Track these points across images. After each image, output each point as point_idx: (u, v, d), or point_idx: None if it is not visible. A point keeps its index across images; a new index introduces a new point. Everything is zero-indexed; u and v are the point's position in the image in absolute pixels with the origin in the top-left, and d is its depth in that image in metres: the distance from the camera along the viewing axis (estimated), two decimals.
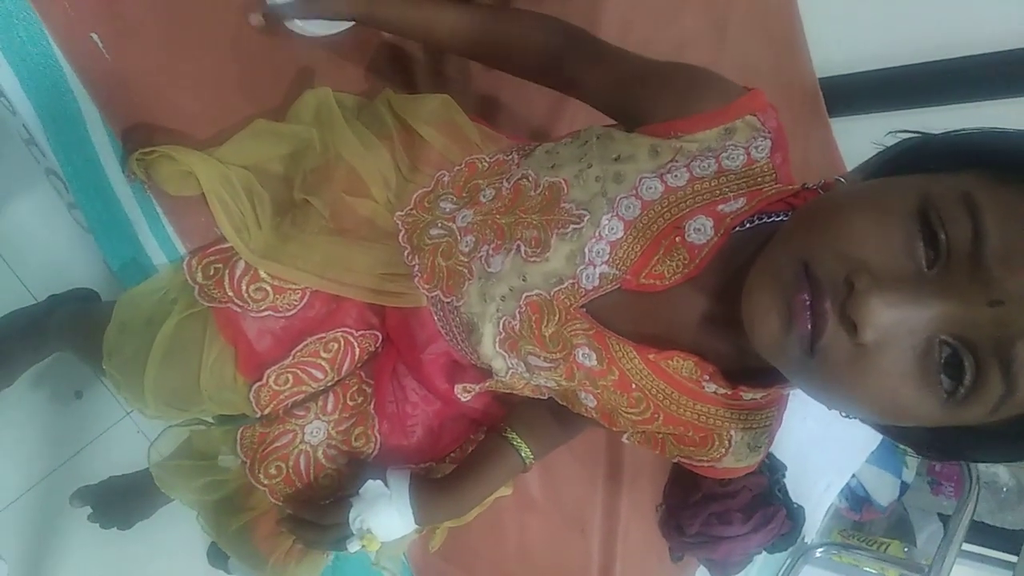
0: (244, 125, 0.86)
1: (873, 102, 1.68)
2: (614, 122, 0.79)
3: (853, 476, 1.79)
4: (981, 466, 1.96)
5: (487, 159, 0.87)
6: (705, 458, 0.76)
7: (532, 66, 0.83)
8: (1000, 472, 1.99)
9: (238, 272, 0.82)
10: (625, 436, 0.79)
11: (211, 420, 0.93)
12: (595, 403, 0.76)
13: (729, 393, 0.70)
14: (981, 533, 1.94)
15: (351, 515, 0.82)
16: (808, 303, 0.52)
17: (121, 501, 1.36)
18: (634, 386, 0.72)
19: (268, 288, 0.83)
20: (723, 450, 0.74)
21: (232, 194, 0.82)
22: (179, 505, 1.44)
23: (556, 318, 0.73)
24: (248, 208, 0.83)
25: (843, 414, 0.59)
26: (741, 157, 0.69)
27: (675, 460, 0.79)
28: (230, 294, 0.82)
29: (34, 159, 0.85)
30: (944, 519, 2.09)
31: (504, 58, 0.84)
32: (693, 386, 0.70)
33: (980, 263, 0.48)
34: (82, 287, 1.27)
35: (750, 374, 0.69)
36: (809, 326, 0.52)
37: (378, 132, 0.89)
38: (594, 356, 0.72)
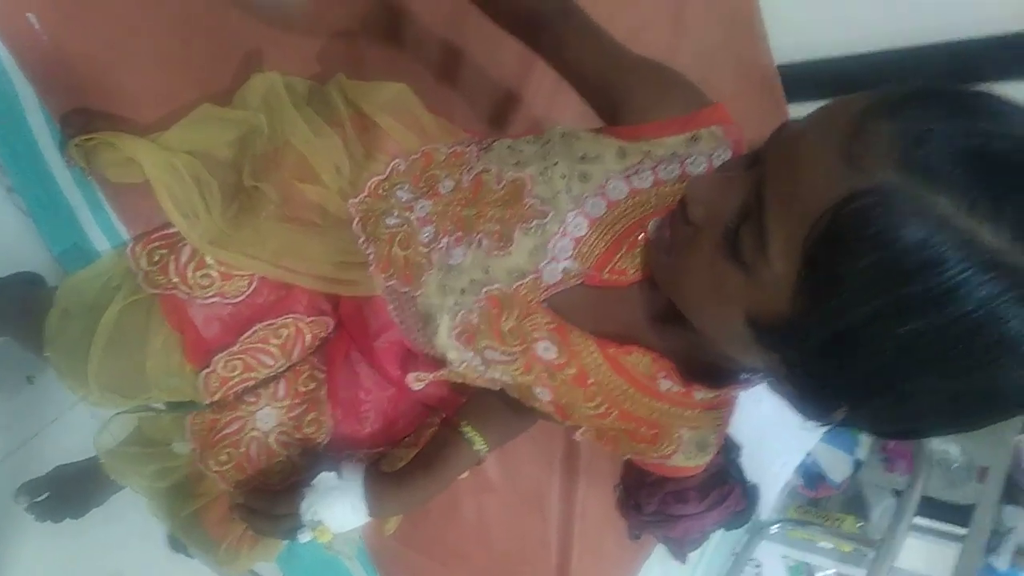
0: (190, 109, 0.85)
1: (831, 89, 1.68)
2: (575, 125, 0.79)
3: (808, 454, 1.83)
4: (934, 444, 2.01)
5: (444, 149, 0.87)
6: (656, 455, 0.77)
7: (522, 16, 0.82)
8: (951, 450, 2.04)
9: (183, 258, 0.81)
10: (578, 432, 0.80)
11: (161, 407, 0.92)
12: (550, 397, 0.76)
13: (683, 391, 0.71)
14: (933, 508, 1.99)
15: (303, 506, 0.82)
16: (670, 220, 0.62)
17: (73, 489, 1.34)
18: (591, 380, 0.73)
19: (215, 274, 0.82)
20: (673, 448, 0.75)
21: (178, 181, 0.81)
22: (133, 492, 1.44)
23: (516, 312, 0.73)
24: (196, 195, 0.82)
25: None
26: (703, 164, 0.71)
27: (626, 457, 0.80)
28: (175, 280, 0.81)
29: None
30: (898, 495, 2.14)
31: (499, 8, 0.83)
32: (648, 383, 0.71)
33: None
34: (26, 271, 1.24)
35: (703, 375, 0.70)
36: (667, 231, 0.62)
37: (329, 118, 0.88)
38: (555, 350, 0.73)
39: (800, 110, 1.76)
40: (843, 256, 0.45)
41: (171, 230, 0.83)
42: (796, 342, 0.51)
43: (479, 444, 0.89)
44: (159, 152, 0.80)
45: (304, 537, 0.83)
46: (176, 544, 1.56)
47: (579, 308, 0.72)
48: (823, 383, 0.52)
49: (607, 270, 0.70)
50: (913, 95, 0.46)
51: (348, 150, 0.88)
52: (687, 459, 0.77)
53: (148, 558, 1.57)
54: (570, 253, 0.71)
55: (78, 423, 1.53)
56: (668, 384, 0.71)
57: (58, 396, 1.52)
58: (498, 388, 0.84)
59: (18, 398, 1.46)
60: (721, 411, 0.76)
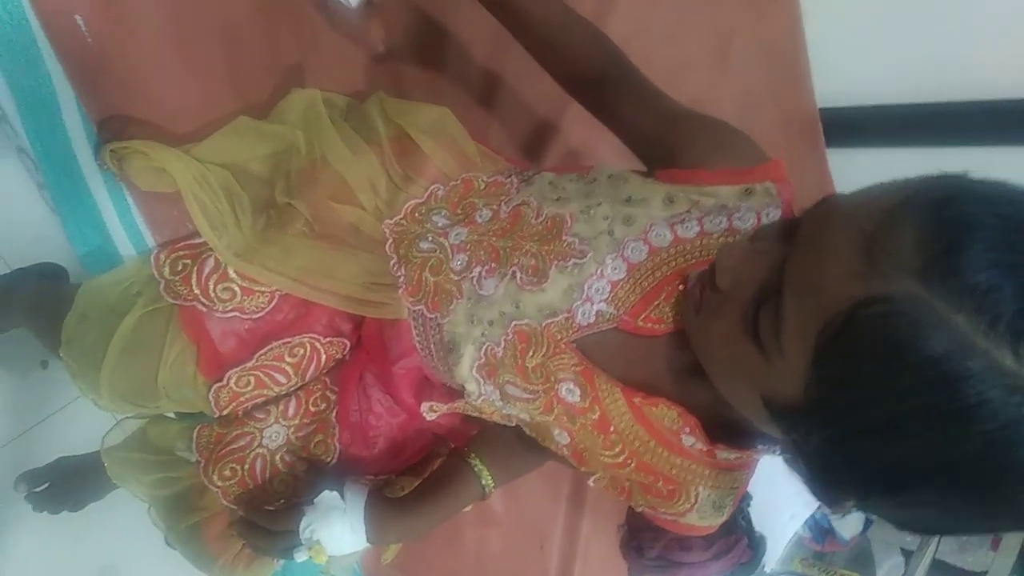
0: (227, 120, 0.84)
1: (872, 137, 1.67)
2: (612, 158, 0.78)
3: (818, 507, 1.79)
4: None
5: (484, 178, 0.86)
6: (670, 512, 0.75)
7: (573, 74, 0.82)
8: None
9: (207, 270, 0.81)
10: (593, 479, 0.78)
11: (171, 415, 0.91)
12: (568, 440, 0.75)
13: (706, 449, 0.69)
14: (942, 572, 1.95)
15: (302, 524, 0.80)
16: (701, 283, 0.62)
17: (73, 483, 1.34)
18: (612, 428, 0.71)
19: (236, 289, 0.81)
20: (688, 505, 0.73)
21: (209, 193, 0.80)
22: None
23: (543, 350, 0.72)
24: (226, 208, 0.82)
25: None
26: (751, 220, 0.70)
27: (639, 509, 0.78)
28: (196, 292, 0.80)
29: (5, 135, 0.83)
30: (906, 554, 2.10)
31: (551, 55, 0.82)
32: (672, 437, 0.70)
33: None
34: (50, 263, 1.23)
35: (729, 434, 0.68)
36: (698, 293, 0.62)
37: (367, 136, 0.87)
38: (578, 392, 0.71)
39: (839, 156, 1.75)
40: (854, 359, 0.45)
41: (197, 240, 0.83)
42: (805, 431, 0.50)
43: (486, 479, 0.88)
44: (191, 164, 0.79)
45: (300, 556, 0.81)
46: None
47: (608, 353, 0.71)
48: (829, 475, 0.51)
49: (642, 317, 0.69)
50: (942, 202, 0.45)
51: (385, 170, 0.87)
52: (701, 518, 0.75)
53: (142, 552, 1.56)
54: (606, 296, 0.70)
55: (86, 412, 1.50)
56: (692, 440, 0.70)
57: (70, 384, 1.52)
58: (513, 424, 0.82)
59: (29, 382, 1.46)
60: (741, 472, 0.74)
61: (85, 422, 1.50)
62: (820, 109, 1.66)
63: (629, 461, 0.73)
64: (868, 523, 1.86)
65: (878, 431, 0.45)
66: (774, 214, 0.70)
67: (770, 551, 1.57)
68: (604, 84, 0.79)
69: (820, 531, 1.86)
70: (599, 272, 0.70)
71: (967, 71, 1.50)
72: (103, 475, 1.35)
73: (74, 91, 0.76)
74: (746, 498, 1.49)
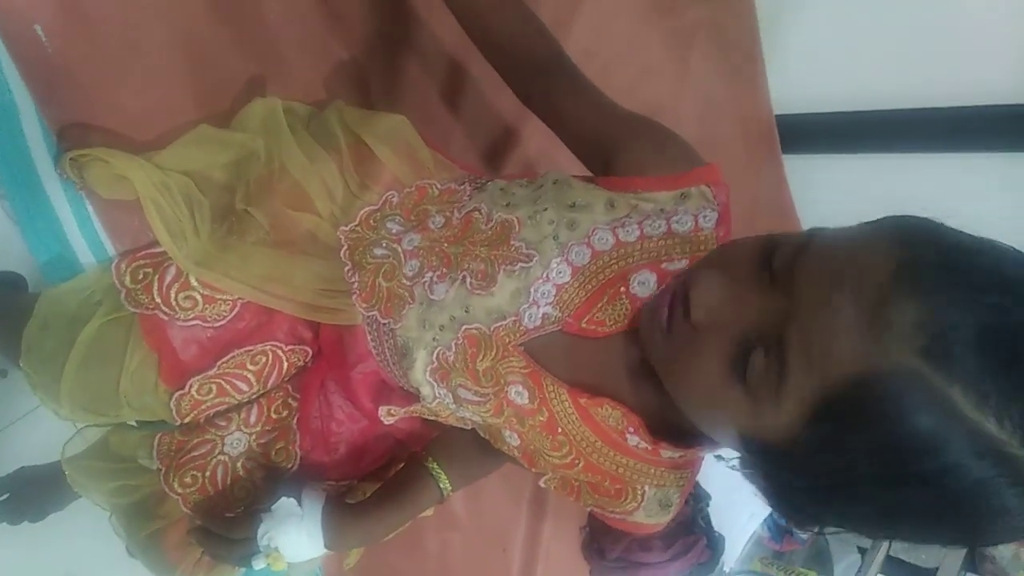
0: (188, 128, 0.84)
1: (828, 143, 1.71)
2: (569, 168, 0.80)
3: None
4: None
5: (438, 185, 0.87)
6: (618, 510, 0.77)
7: (519, 73, 0.83)
8: None
9: (168, 278, 0.81)
10: (543, 480, 0.80)
11: (131, 423, 0.91)
12: (519, 442, 0.77)
13: (650, 448, 0.71)
14: (896, 568, 2.00)
15: (260, 531, 0.81)
16: (669, 304, 0.62)
17: (34, 493, 1.32)
18: (560, 429, 0.73)
19: (198, 297, 0.81)
20: (635, 504, 0.75)
21: (169, 200, 0.80)
22: None
23: (493, 353, 0.73)
24: (186, 215, 0.82)
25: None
26: (689, 223, 0.72)
27: (588, 509, 0.80)
28: (158, 300, 0.80)
29: None
30: (862, 551, 2.15)
31: (496, 47, 0.84)
32: (617, 436, 0.72)
33: (795, 270, 0.54)
34: (8, 271, 1.22)
35: (672, 433, 0.70)
36: (665, 313, 0.61)
37: (326, 144, 0.88)
38: (526, 394, 0.73)
39: (794, 162, 1.79)
40: (852, 424, 0.49)
41: (157, 249, 0.83)
42: (784, 472, 0.54)
43: (444, 483, 0.89)
44: (152, 171, 0.79)
45: (258, 564, 0.81)
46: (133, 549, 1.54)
47: (555, 355, 0.73)
48: (792, 503, 0.55)
49: (586, 319, 0.71)
50: (944, 270, 0.48)
51: (343, 177, 0.88)
52: (648, 516, 0.78)
53: (102, 560, 1.54)
54: (551, 299, 0.71)
55: (46, 422, 1.46)
56: (636, 440, 0.72)
57: (29, 394, 1.49)
58: (469, 427, 0.84)
59: None
60: (686, 471, 0.77)
61: (45, 432, 1.48)
62: (776, 116, 1.70)
63: (577, 461, 0.74)
64: None
65: (863, 486, 0.49)
66: (711, 217, 0.72)
67: (729, 550, 1.61)
68: (549, 82, 0.80)
69: (778, 530, 1.90)
70: (545, 276, 0.71)
71: (921, 79, 1.54)
72: (64, 485, 1.33)
73: (34, 100, 0.76)
74: (705, 498, 1.52)
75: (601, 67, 1.22)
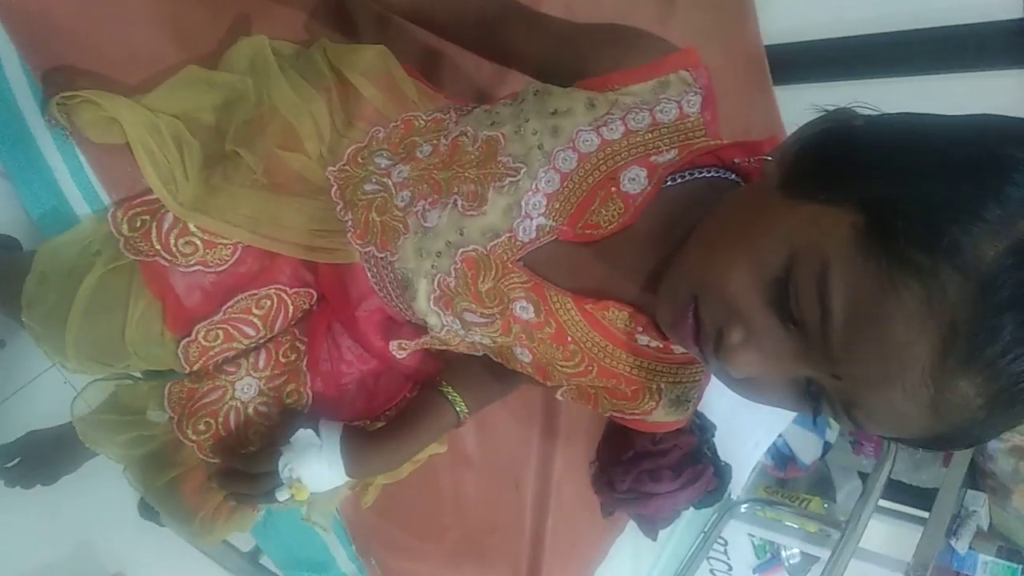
0: (175, 71, 0.83)
1: (817, 72, 1.70)
2: None
3: (779, 436, 1.85)
4: None
5: (424, 117, 0.86)
6: (637, 411, 0.78)
7: (468, 36, 0.83)
8: None
9: (166, 225, 0.80)
10: (559, 392, 0.81)
11: (138, 375, 0.91)
12: (530, 358, 0.77)
13: (661, 346, 0.72)
14: (897, 491, 2.03)
15: (280, 463, 0.81)
16: (694, 336, 0.61)
17: (45, 456, 1.33)
18: (570, 338, 0.73)
19: (198, 242, 0.81)
20: (653, 403, 0.77)
21: (160, 143, 0.79)
22: (105, 458, 1.42)
23: (493, 273, 0.73)
24: (176, 158, 0.81)
25: None
26: (673, 111, 0.71)
27: (607, 414, 0.81)
28: (158, 247, 0.79)
29: None
30: (863, 477, 2.18)
31: (442, 25, 0.84)
32: (627, 338, 0.72)
33: (826, 339, 0.53)
34: (2, 234, 1.21)
35: None
36: (697, 348, 0.62)
37: (315, 83, 0.87)
38: (532, 309, 0.73)
39: (785, 92, 1.77)
40: None
41: (152, 196, 0.81)
42: None
43: (460, 406, 0.90)
44: (142, 112, 0.78)
45: (282, 496, 0.82)
46: (146, 512, 1.55)
47: (555, 265, 0.73)
48: None
49: (580, 225, 0.70)
50: (986, 342, 0.48)
51: (331, 116, 0.86)
52: (667, 414, 0.79)
53: (118, 526, 1.56)
54: (543, 210, 0.71)
55: (49, 388, 1.51)
56: (646, 339, 0.72)
57: (29, 361, 1.50)
58: (480, 353, 0.84)
59: None
60: (701, 365, 0.77)
61: (49, 398, 1.49)
62: (766, 46, 1.69)
63: (591, 368, 0.75)
64: (827, 447, 1.93)
65: None
66: (694, 101, 0.71)
67: (736, 478, 1.63)
68: (497, 31, 0.79)
69: (782, 458, 1.92)
70: (534, 187, 0.71)
71: (907, 1, 1.53)
72: (76, 446, 1.34)
73: (15, 46, 0.74)
74: (710, 428, 1.54)
75: (579, 9, 1.19)
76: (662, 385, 0.76)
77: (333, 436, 0.84)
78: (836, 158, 0.57)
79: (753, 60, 1.67)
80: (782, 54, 1.70)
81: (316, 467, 0.83)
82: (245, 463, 0.84)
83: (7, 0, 0.73)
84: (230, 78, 0.84)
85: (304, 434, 0.83)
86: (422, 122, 0.85)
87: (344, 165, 0.84)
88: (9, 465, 1.31)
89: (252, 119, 0.83)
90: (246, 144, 0.82)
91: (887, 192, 0.52)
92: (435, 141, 0.81)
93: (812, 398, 0.58)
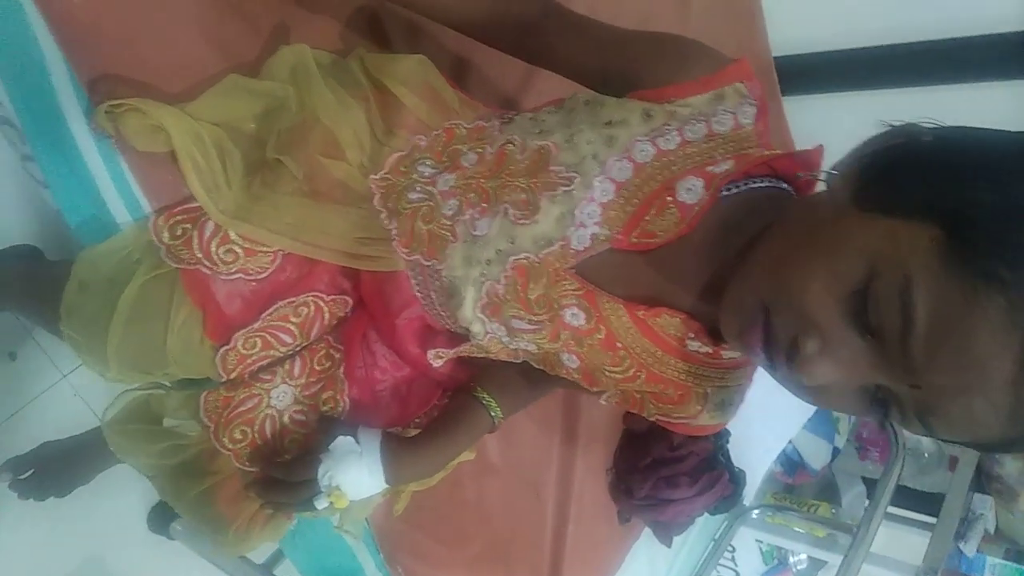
0: (216, 80, 0.83)
1: (825, 82, 1.72)
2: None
3: (789, 442, 1.86)
4: (907, 434, 2.07)
5: (466, 125, 0.87)
6: (683, 415, 0.79)
7: (507, 39, 0.82)
8: (923, 440, 2.10)
9: (207, 233, 0.80)
10: (604, 397, 0.81)
11: (169, 384, 0.91)
12: (578, 364, 0.77)
13: (711, 352, 0.73)
14: (902, 496, 2.04)
15: (320, 471, 0.81)
16: (763, 345, 0.62)
17: (59, 467, 1.31)
18: (619, 344, 0.73)
19: (239, 250, 0.81)
20: (699, 407, 0.78)
21: (203, 152, 0.79)
22: (116, 472, 1.41)
23: (544, 280, 0.73)
24: (219, 167, 0.81)
25: None
26: (729, 122, 0.71)
27: (653, 419, 0.81)
28: (199, 255, 0.79)
29: None
30: (867, 482, 2.20)
31: (480, 27, 0.83)
32: (677, 344, 0.73)
33: (906, 350, 0.54)
34: (23, 244, 1.20)
35: None
36: (765, 357, 0.62)
37: (353, 93, 0.87)
38: (583, 316, 0.73)
39: (792, 102, 1.79)
40: None
41: (193, 204, 0.82)
42: None
43: (495, 410, 0.91)
44: (186, 121, 0.78)
45: (321, 504, 0.82)
46: (155, 526, 1.54)
47: (607, 273, 0.73)
48: None
49: (635, 234, 0.70)
50: None
51: (370, 125, 0.87)
52: (711, 418, 0.80)
53: (127, 540, 1.55)
54: (598, 219, 0.71)
55: (60, 401, 1.49)
56: (697, 345, 0.73)
57: (40, 373, 1.49)
58: (519, 360, 0.84)
59: None
60: (745, 368, 0.78)
61: (59, 411, 1.48)
62: (774, 57, 1.71)
63: (639, 374, 0.75)
64: (835, 452, 1.94)
65: None
66: (749, 112, 0.72)
67: (748, 485, 1.64)
68: (538, 33, 0.79)
69: (791, 464, 1.94)
70: (589, 196, 0.71)
71: (915, 13, 1.55)
72: (90, 457, 1.34)
73: (64, 56, 0.74)
74: (725, 434, 1.55)
75: (605, 15, 1.20)
76: (708, 390, 0.77)
77: (373, 443, 0.84)
78: (910, 173, 0.58)
79: (762, 70, 1.69)
80: (790, 65, 1.71)
81: (355, 474, 0.82)
82: (284, 471, 0.84)
83: (58, 11, 0.73)
84: (271, 86, 0.85)
85: (344, 441, 0.83)
86: (464, 130, 0.86)
87: (386, 174, 0.84)
88: (23, 477, 1.30)
89: (293, 127, 0.84)
90: (288, 152, 0.82)
91: (964, 206, 0.53)
92: (480, 150, 0.81)
93: (881, 405, 0.59)
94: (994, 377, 0.51)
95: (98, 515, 1.51)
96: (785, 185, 0.74)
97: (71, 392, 1.51)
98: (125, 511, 1.54)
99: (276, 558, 1.32)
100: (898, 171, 0.59)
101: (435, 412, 0.96)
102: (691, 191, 0.69)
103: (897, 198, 0.57)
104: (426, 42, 1.00)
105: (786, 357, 0.60)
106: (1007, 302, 0.50)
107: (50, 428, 1.42)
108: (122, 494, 1.52)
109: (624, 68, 0.75)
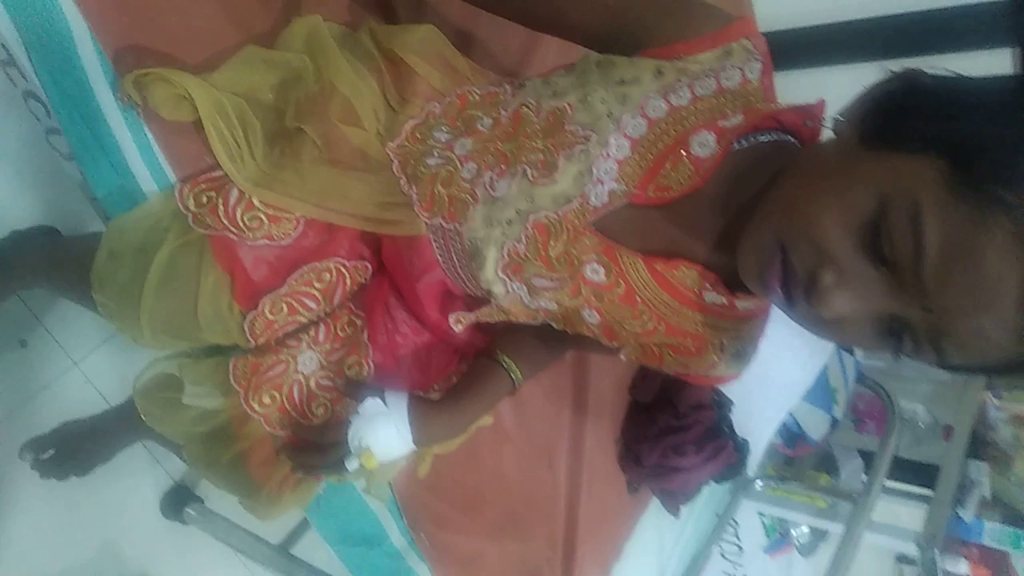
0: (232, 51, 0.85)
1: (811, 57, 1.75)
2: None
3: (788, 413, 1.89)
4: (902, 404, 2.11)
5: (478, 91, 0.89)
6: (700, 367, 0.81)
7: (516, 5, 0.83)
8: (918, 410, 2.15)
9: (232, 200, 0.82)
10: (623, 352, 0.84)
11: (198, 351, 0.92)
12: (598, 319, 0.80)
13: (726, 303, 0.75)
14: (899, 468, 2.08)
15: (350, 432, 0.83)
16: (781, 282, 0.65)
17: (79, 446, 1.33)
18: (639, 298, 0.76)
19: (263, 217, 0.82)
20: (716, 357, 0.80)
21: (226, 121, 0.81)
22: (129, 457, 1.42)
23: (564, 237, 0.76)
24: (241, 136, 0.82)
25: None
26: (737, 77, 0.74)
27: (672, 372, 0.84)
28: (225, 222, 0.81)
29: (11, 81, 0.82)
30: (864, 455, 2.24)
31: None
32: (694, 296, 0.75)
33: (919, 275, 0.57)
34: (42, 224, 1.21)
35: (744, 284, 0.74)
36: (783, 294, 0.65)
37: (365, 64, 0.89)
38: (603, 271, 0.76)
39: (779, 77, 1.81)
40: None
41: (217, 172, 0.83)
42: None
43: (515, 373, 0.94)
44: (210, 91, 0.80)
45: (351, 465, 0.84)
46: (169, 511, 1.55)
47: (624, 228, 0.75)
48: None
49: (651, 188, 0.73)
50: None
51: (384, 94, 0.89)
52: (728, 368, 0.83)
53: (141, 526, 1.56)
54: (615, 175, 0.73)
55: (72, 387, 1.50)
56: (713, 296, 0.75)
57: (52, 360, 1.50)
58: (539, 321, 0.86)
59: (11, 362, 1.43)
60: (759, 319, 0.81)
61: (73, 397, 1.49)
62: (762, 33, 1.73)
63: (658, 326, 0.78)
64: (834, 423, 1.98)
65: None
66: (755, 68, 0.74)
67: (752, 454, 1.67)
68: None
69: (791, 436, 1.96)
70: (605, 153, 0.73)
71: None
72: (110, 435, 1.35)
73: (88, 26, 0.76)
74: (727, 404, 1.58)
75: None
76: (724, 340, 0.80)
77: (400, 404, 0.86)
78: (914, 110, 0.61)
79: None
80: (777, 40, 1.73)
81: (384, 435, 0.85)
82: (315, 433, 0.86)
83: None
84: (288, 56, 0.86)
85: (372, 403, 0.85)
86: (476, 96, 0.88)
87: (403, 141, 0.86)
88: (44, 457, 1.31)
89: (311, 96, 0.86)
90: (307, 121, 0.84)
91: (967, 137, 0.57)
92: (495, 114, 0.83)
93: (894, 335, 0.62)
94: (1002, 295, 0.54)
95: (112, 501, 1.52)
96: (791, 138, 0.77)
97: (82, 379, 1.52)
98: (138, 498, 1.55)
99: (292, 538, 1.34)
100: (903, 109, 0.62)
101: (453, 379, 0.99)
102: (704, 145, 0.72)
103: (903, 134, 0.60)
104: (430, 14, 1.02)
105: (804, 292, 0.63)
106: (1013, 224, 0.53)
107: (63, 415, 1.43)
108: (135, 481, 1.53)
109: (633, 30, 0.77)
